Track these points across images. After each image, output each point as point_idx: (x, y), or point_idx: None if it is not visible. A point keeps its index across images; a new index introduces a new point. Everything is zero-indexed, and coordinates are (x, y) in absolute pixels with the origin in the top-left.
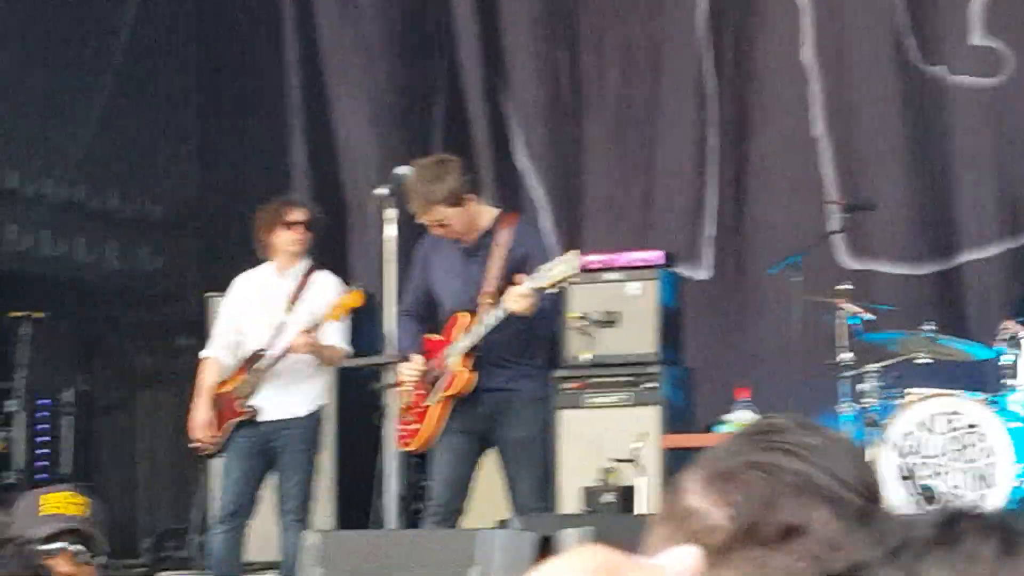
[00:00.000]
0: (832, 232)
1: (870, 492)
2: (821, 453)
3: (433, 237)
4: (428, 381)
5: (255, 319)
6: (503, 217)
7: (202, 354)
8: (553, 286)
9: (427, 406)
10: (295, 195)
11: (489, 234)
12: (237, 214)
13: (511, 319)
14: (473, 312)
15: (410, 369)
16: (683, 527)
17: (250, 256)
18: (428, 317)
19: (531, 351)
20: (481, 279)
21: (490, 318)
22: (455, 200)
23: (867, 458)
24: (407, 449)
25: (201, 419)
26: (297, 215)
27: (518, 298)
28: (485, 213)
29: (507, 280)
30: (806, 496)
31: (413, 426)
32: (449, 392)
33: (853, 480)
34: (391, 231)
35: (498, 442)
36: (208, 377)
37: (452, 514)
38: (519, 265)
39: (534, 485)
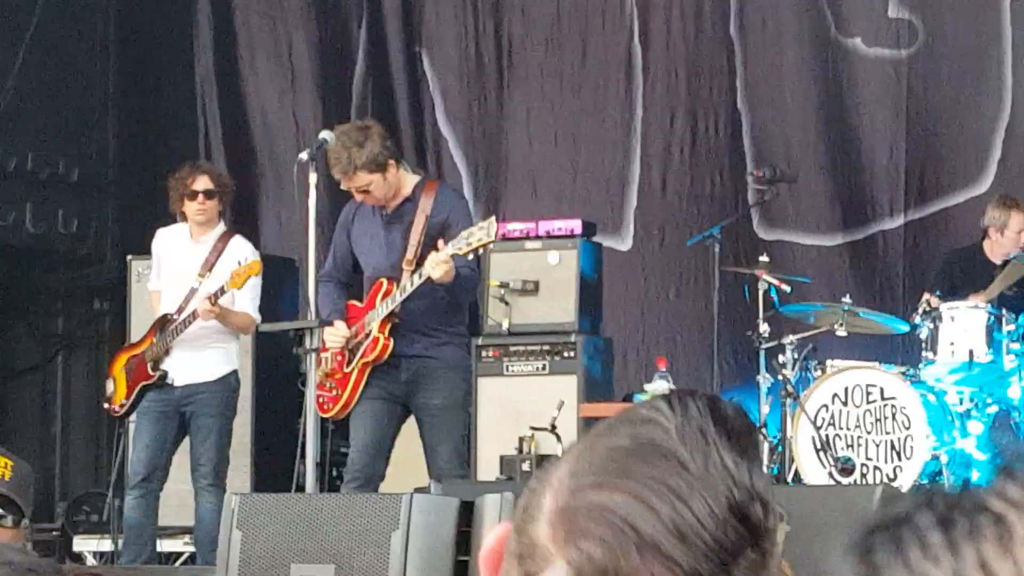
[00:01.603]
0: (752, 205)
1: (748, 525)
2: (684, 504)
3: (356, 203)
4: (349, 348)
5: (167, 283)
6: (425, 183)
7: (150, 287)
8: (470, 252)
9: (347, 372)
10: (202, 162)
11: (411, 200)
12: (156, 176)
13: (431, 286)
14: (395, 279)
15: (333, 335)
16: (523, 562)
17: (168, 219)
18: (350, 283)
19: (451, 318)
20: (403, 245)
21: (409, 284)
22: (376, 166)
23: (752, 473)
24: (327, 415)
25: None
26: (200, 184)
27: (436, 264)
28: (407, 179)
29: (429, 247)
30: (655, 561)
31: (334, 392)
32: (367, 359)
33: (713, 544)
34: (313, 196)
35: (417, 409)
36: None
37: (371, 479)
38: (440, 232)
39: (453, 452)
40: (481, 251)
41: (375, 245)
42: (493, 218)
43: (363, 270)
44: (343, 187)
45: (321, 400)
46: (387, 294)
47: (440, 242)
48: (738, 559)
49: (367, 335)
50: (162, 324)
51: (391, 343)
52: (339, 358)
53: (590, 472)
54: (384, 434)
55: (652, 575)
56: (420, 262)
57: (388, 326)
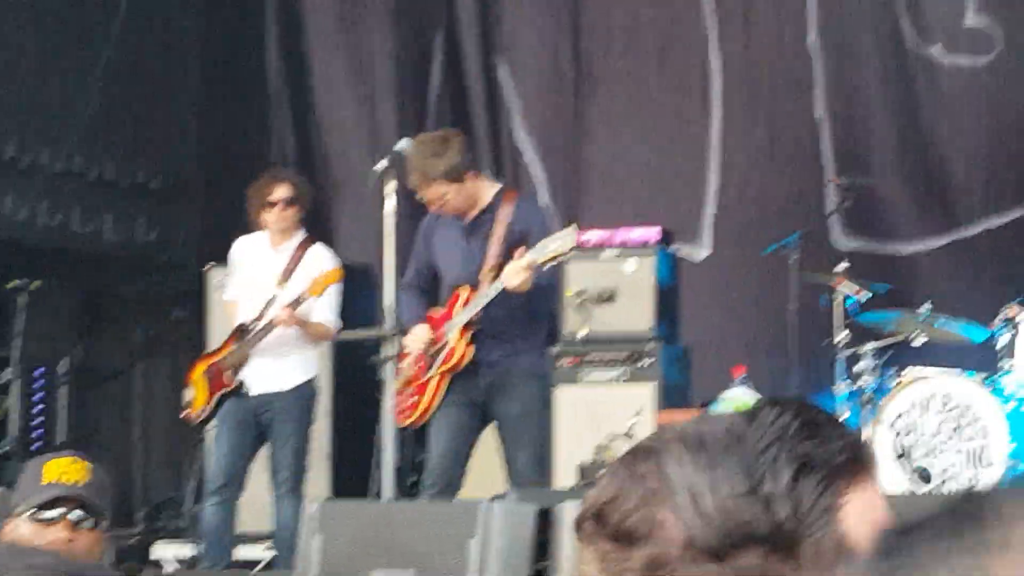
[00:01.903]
0: (830, 212)
1: (732, 538)
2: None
3: (435, 214)
4: (428, 355)
5: (246, 291)
6: (504, 193)
7: (224, 297)
8: (550, 261)
9: (426, 380)
10: (281, 170)
11: (490, 210)
12: (235, 185)
13: (509, 294)
14: (474, 287)
15: (415, 339)
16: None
17: (247, 227)
18: (430, 291)
19: (530, 326)
20: (482, 255)
21: (488, 293)
22: (454, 176)
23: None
24: (407, 423)
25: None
26: (279, 193)
27: (514, 273)
28: (486, 189)
29: (508, 256)
30: (662, 504)
31: (413, 399)
32: (446, 366)
33: (717, 522)
34: (390, 205)
35: (496, 416)
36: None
37: (449, 487)
38: (519, 241)
39: (531, 460)
40: (560, 260)
41: (455, 254)
42: (573, 227)
43: (442, 278)
44: (418, 196)
45: (400, 407)
46: (466, 302)
47: (518, 251)
48: (744, 549)
49: (445, 343)
50: (241, 332)
51: (470, 350)
52: (419, 365)
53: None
54: (463, 441)
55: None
56: (500, 272)
57: (467, 334)
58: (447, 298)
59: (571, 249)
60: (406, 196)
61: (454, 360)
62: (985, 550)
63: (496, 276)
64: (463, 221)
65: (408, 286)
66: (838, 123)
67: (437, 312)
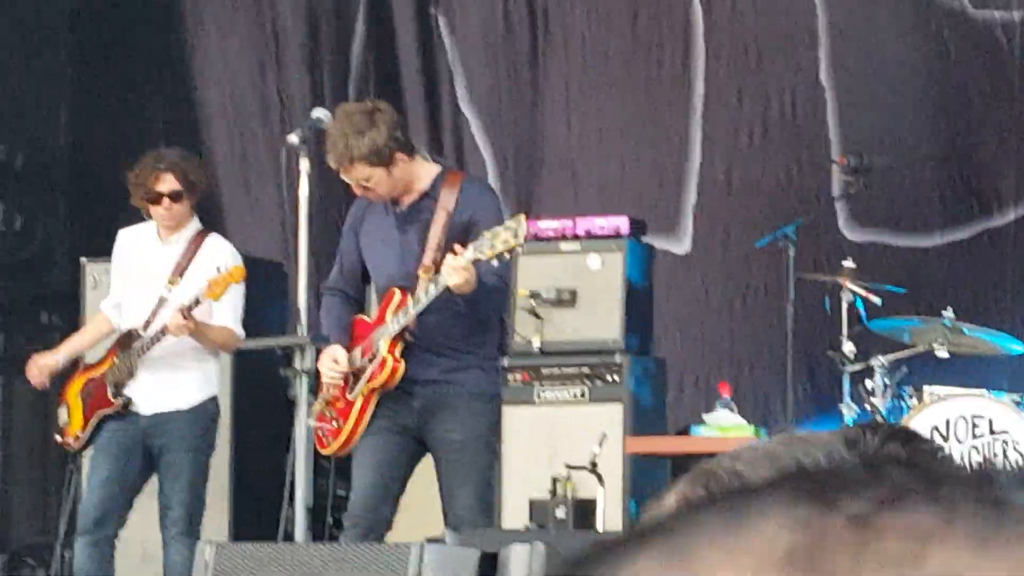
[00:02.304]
0: (836, 198)
1: None
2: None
3: (365, 200)
4: (354, 371)
5: (132, 292)
6: (446, 175)
7: (102, 306)
8: (495, 257)
9: (351, 401)
10: (165, 153)
11: (429, 195)
12: (116, 167)
13: (450, 298)
14: (409, 290)
15: (331, 367)
16: None
17: (131, 216)
18: (359, 297)
19: (475, 337)
20: (420, 250)
21: (424, 295)
22: (379, 159)
23: None
24: (327, 451)
25: (44, 362)
26: (164, 183)
27: (454, 271)
28: (425, 171)
29: (450, 251)
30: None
31: (334, 424)
32: (373, 384)
33: None
34: (304, 188)
35: (433, 444)
36: (92, 330)
37: (376, 527)
38: (464, 233)
39: (475, 496)
40: (508, 256)
41: (387, 249)
42: (522, 216)
43: (372, 278)
44: (343, 178)
45: (320, 433)
46: (400, 307)
47: (459, 246)
48: None
49: (374, 356)
50: (125, 342)
51: (402, 366)
52: (341, 384)
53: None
54: (393, 473)
55: None
56: (440, 269)
57: (399, 345)
58: (378, 302)
59: (521, 242)
60: (322, 179)
61: (383, 377)
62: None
63: (435, 276)
64: (397, 208)
65: (331, 290)
66: (844, 90)
67: (366, 319)
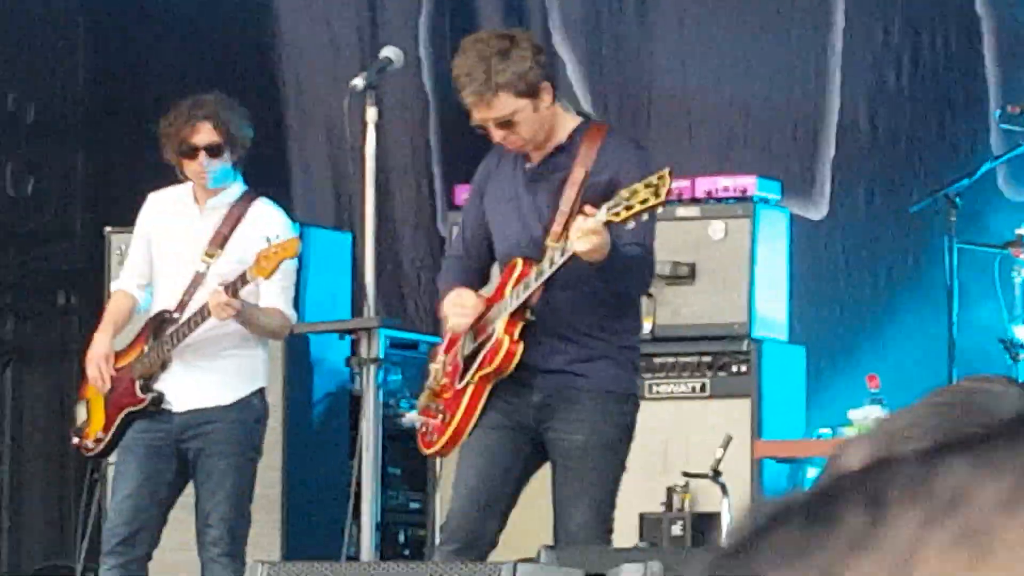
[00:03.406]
0: (1003, 156)
1: None
2: None
3: (496, 157)
4: (466, 355)
5: (164, 267)
6: (588, 128)
7: (113, 286)
8: (631, 218)
9: (460, 389)
10: (205, 99)
11: (566, 150)
12: (144, 118)
13: (583, 271)
14: (535, 259)
15: (456, 306)
16: None
17: (163, 178)
18: (483, 268)
19: (611, 321)
20: (550, 212)
21: (548, 265)
22: (529, 87)
23: None
24: (431, 451)
25: (100, 351)
26: (202, 135)
27: (584, 234)
28: (564, 121)
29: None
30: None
31: (441, 417)
32: (485, 369)
33: None
34: (372, 140)
35: (551, 446)
36: (118, 307)
37: (477, 542)
38: (604, 196)
39: (594, 511)
40: (647, 217)
41: (512, 212)
42: (667, 171)
43: (496, 247)
44: (475, 119)
45: (424, 430)
46: (520, 278)
47: (590, 207)
48: None
49: (488, 337)
50: (156, 326)
51: (520, 348)
52: (449, 369)
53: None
54: (502, 480)
55: None
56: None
57: (519, 325)
58: (500, 274)
59: (662, 201)
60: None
61: (497, 361)
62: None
63: (565, 243)
64: (528, 165)
65: (451, 258)
66: (1008, 18)
67: (483, 294)
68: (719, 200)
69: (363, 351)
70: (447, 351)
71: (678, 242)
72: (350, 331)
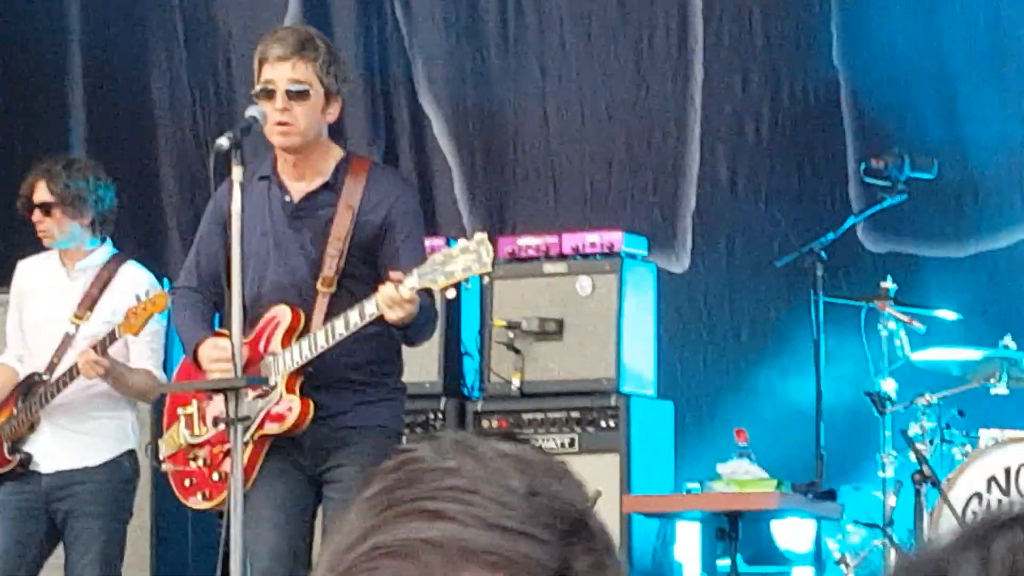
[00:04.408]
0: (869, 210)
1: (563, 519)
2: (473, 495)
3: (229, 184)
4: (235, 411)
5: (33, 332)
6: (350, 163)
7: (1, 358)
8: (450, 287)
9: (231, 446)
10: (56, 158)
11: (330, 187)
12: (17, 173)
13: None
14: (303, 307)
15: (219, 361)
16: None
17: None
18: (219, 301)
19: (388, 365)
20: (317, 254)
21: (344, 328)
22: (325, 73)
23: (563, 473)
24: (200, 507)
25: None
26: (37, 193)
27: (395, 304)
28: (330, 152)
29: (356, 259)
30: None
31: (203, 468)
32: (273, 430)
33: (525, 518)
34: (238, 197)
35: (324, 481)
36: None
37: None
38: (374, 238)
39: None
40: (468, 285)
41: (272, 249)
42: (484, 236)
43: (249, 284)
44: (266, 76)
45: (188, 483)
46: (291, 331)
47: (398, 273)
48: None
49: (265, 392)
50: (27, 388)
51: (310, 408)
52: (210, 419)
53: (351, 526)
54: (299, 522)
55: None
56: (342, 282)
57: (299, 380)
58: (251, 314)
59: (488, 270)
60: None
61: (288, 424)
62: None
63: (338, 289)
64: (286, 197)
65: (186, 290)
66: (862, 71)
67: (242, 339)
68: (586, 256)
69: (230, 410)
70: (196, 395)
71: (545, 298)
72: (220, 390)
